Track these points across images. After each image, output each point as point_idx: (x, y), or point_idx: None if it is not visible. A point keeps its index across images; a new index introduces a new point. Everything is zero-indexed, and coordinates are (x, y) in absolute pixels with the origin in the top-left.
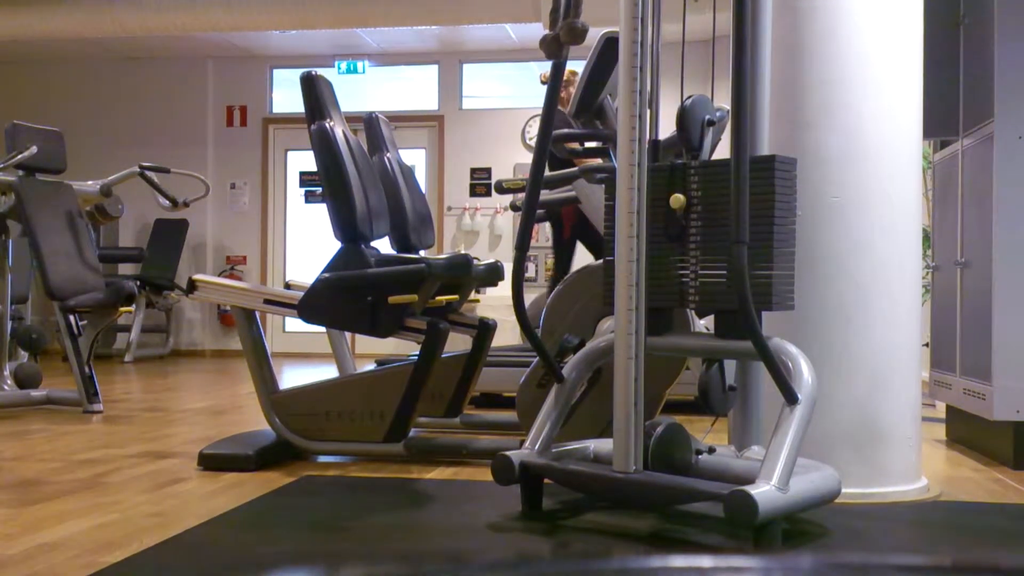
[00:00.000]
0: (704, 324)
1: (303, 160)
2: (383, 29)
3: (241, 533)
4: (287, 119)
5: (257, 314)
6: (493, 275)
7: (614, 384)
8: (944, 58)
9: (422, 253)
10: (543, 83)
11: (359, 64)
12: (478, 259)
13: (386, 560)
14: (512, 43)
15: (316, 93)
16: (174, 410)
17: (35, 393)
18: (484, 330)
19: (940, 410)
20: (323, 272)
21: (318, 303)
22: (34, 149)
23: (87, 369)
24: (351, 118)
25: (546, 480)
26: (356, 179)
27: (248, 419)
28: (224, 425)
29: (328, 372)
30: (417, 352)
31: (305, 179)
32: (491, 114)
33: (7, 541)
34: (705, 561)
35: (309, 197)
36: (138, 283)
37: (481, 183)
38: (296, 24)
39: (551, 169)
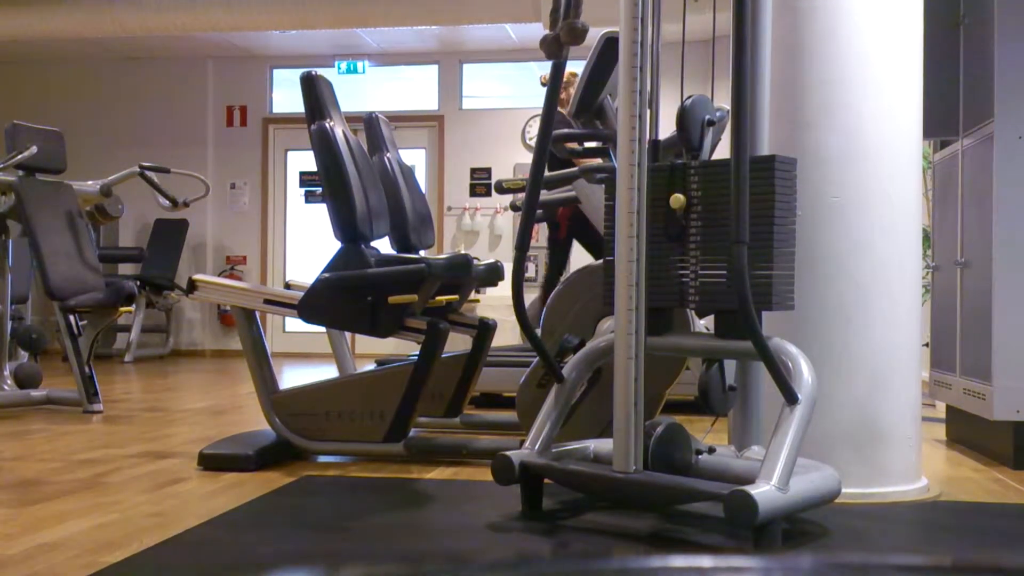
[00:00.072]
0: (704, 324)
1: (303, 160)
2: (383, 29)
3: (241, 533)
4: (287, 119)
5: (257, 314)
6: (493, 275)
7: (614, 384)
8: (944, 58)
9: (422, 253)
10: (543, 85)
11: (359, 64)
12: (478, 259)
13: (386, 560)
14: (512, 43)
15: (316, 93)
16: (174, 410)
17: (35, 393)
18: (484, 330)
19: (940, 410)
20: (323, 272)
21: (318, 303)
22: (34, 149)
23: (87, 369)
24: (351, 118)
25: (546, 480)
26: (356, 179)
27: (248, 419)
28: (224, 425)
29: (328, 372)
30: (417, 352)
31: (305, 179)
32: (491, 114)
33: (7, 541)
34: (705, 561)
35: (309, 197)
36: (138, 283)
37: (481, 183)
38: (296, 24)
39: (551, 169)
